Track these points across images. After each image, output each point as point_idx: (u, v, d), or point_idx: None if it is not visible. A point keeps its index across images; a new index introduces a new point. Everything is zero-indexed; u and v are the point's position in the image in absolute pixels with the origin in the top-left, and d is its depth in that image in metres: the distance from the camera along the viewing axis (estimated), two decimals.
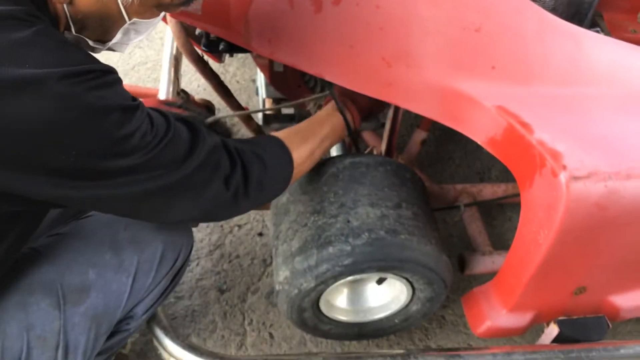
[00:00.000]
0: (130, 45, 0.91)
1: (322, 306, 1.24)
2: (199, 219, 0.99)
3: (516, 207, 1.68)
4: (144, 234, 1.03)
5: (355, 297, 1.33)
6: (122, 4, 0.78)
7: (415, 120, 1.97)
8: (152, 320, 1.15)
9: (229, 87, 1.55)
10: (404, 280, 1.20)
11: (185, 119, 0.90)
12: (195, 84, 2.19)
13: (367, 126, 1.47)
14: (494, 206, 1.83)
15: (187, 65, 1.93)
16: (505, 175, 1.92)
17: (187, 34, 1.39)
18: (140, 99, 0.81)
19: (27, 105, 0.67)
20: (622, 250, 1.02)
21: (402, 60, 1.01)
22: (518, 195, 0.99)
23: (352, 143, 1.36)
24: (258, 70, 1.71)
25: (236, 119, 1.89)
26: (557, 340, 1.18)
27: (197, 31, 1.41)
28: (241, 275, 1.61)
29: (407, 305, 1.29)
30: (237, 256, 1.65)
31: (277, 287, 1.18)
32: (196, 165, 0.85)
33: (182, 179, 0.83)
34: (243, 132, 2.00)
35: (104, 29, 0.84)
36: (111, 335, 1.05)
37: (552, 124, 0.96)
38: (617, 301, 1.18)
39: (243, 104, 1.74)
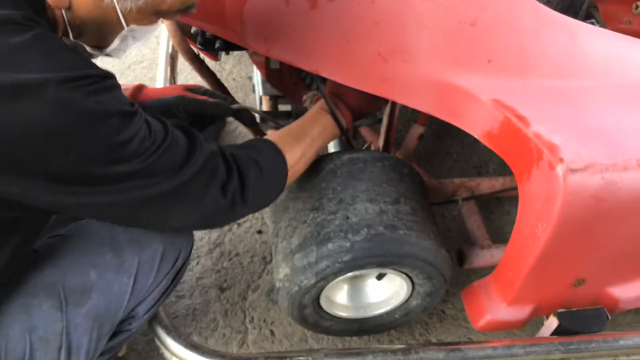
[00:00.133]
0: (127, 51, 0.91)
1: (323, 303, 1.24)
2: (197, 225, 0.98)
3: (514, 200, 1.69)
4: (144, 234, 1.03)
5: (356, 293, 1.34)
6: (121, 10, 0.78)
7: (413, 116, 1.97)
8: (153, 319, 1.15)
9: (226, 84, 1.56)
10: (404, 276, 1.20)
11: (182, 126, 0.90)
12: (192, 82, 2.18)
13: (364, 122, 1.47)
14: (492, 200, 1.84)
15: (183, 64, 1.94)
16: (503, 169, 1.93)
17: (182, 32, 1.39)
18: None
19: (26, 110, 0.67)
20: (620, 241, 1.02)
21: (398, 55, 1.01)
22: (516, 188, 0.99)
23: (346, 142, 1.35)
24: (254, 67, 1.71)
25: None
26: (557, 332, 1.18)
27: (193, 29, 1.41)
28: (241, 273, 1.61)
29: (407, 300, 1.30)
30: (237, 254, 1.66)
31: (278, 285, 1.18)
32: (194, 172, 0.85)
33: (180, 185, 0.83)
34: (240, 129, 2.00)
35: (102, 35, 0.84)
36: (113, 335, 1.05)
37: (549, 117, 0.96)
38: (616, 292, 1.19)
39: (239, 102, 1.74)
